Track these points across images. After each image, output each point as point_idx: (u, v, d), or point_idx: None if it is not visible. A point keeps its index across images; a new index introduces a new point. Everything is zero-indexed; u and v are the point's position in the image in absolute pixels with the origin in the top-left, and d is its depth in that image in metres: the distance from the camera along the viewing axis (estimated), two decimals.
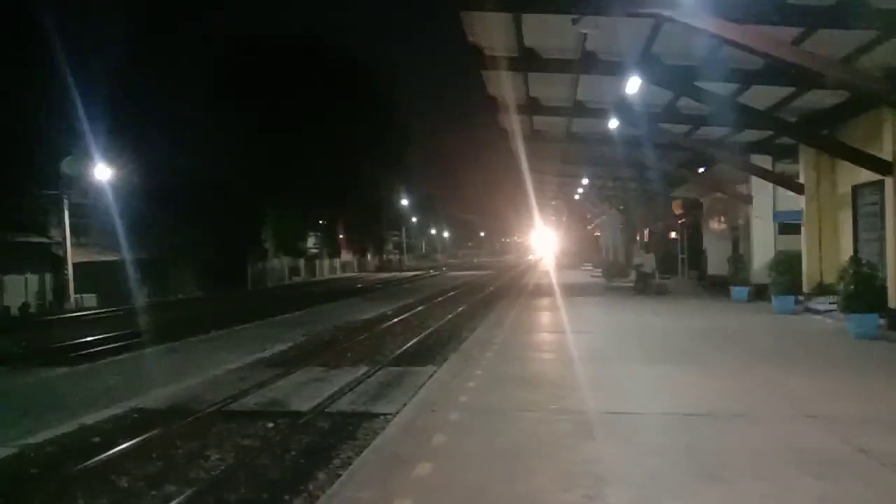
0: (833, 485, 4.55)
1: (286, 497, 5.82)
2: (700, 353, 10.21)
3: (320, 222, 58.42)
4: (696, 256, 28.28)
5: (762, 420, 6.30)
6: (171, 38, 40.26)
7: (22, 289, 28.19)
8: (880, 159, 11.90)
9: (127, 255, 30.56)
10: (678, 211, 30.57)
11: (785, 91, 13.30)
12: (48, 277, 29.75)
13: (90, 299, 29.89)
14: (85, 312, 26.88)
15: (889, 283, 11.65)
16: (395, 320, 19.26)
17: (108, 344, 16.20)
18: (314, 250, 60.15)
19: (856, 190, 14.55)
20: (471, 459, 5.33)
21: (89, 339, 17.19)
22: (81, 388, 10.46)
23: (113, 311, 26.72)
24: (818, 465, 4.90)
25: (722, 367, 8.97)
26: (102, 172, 30.80)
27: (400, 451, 5.62)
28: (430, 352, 13.24)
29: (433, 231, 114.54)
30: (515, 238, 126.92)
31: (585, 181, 34.22)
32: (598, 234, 54.59)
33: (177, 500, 5.68)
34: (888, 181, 11.73)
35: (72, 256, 29.89)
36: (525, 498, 4.50)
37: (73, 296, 29.59)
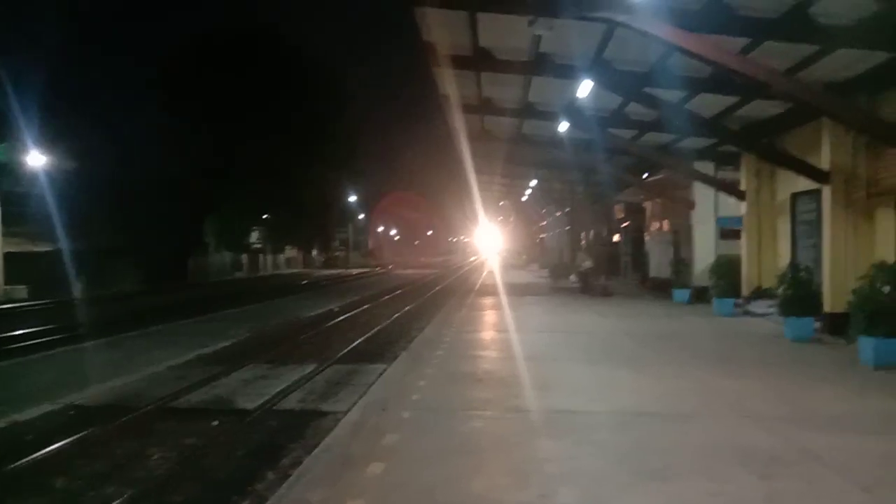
0: (768, 481, 4.70)
1: (234, 498, 5.66)
2: (642, 355, 10.40)
3: (264, 216, 57.28)
4: (639, 259, 28.91)
5: (703, 420, 6.44)
6: (110, 26, 38.68)
7: None
8: (818, 169, 12.34)
9: (62, 245, 29.38)
10: (620, 215, 31.23)
11: (730, 100, 13.65)
12: None
13: (20, 291, 28.61)
14: (14, 304, 25.71)
15: (824, 289, 12.10)
16: (343, 317, 19.06)
17: (41, 338, 15.50)
18: (257, 245, 59.08)
19: (794, 197, 15.06)
20: (424, 458, 5.29)
21: (19, 332, 16.44)
22: (13, 383, 10.01)
23: (46, 303, 25.66)
24: (753, 461, 5.06)
25: (663, 369, 9.14)
26: (36, 160, 29.57)
27: (351, 451, 5.55)
28: (379, 349, 13.13)
29: (380, 229, 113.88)
30: (463, 238, 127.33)
31: (533, 182, 34.57)
32: (544, 235, 55.25)
33: (118, 500, 5.46)
34: (825, 190, 12.17)
35: (1, 246, 28.57)
36: (479, 497, 4.49)
37: (1, 287, 28.29)
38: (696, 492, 4.50)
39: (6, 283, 28.51)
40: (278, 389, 9.35)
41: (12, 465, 6.31)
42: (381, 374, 9.45)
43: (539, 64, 13.12)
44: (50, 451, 6.65)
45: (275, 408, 8.49)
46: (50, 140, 30.01)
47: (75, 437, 7.06)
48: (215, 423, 7.86)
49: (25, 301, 27.16)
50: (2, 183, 28.77)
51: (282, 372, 10.78)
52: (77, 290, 28.46)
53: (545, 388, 7.79)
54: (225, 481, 6.05)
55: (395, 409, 6.88)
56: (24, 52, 29.45)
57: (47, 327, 17.11)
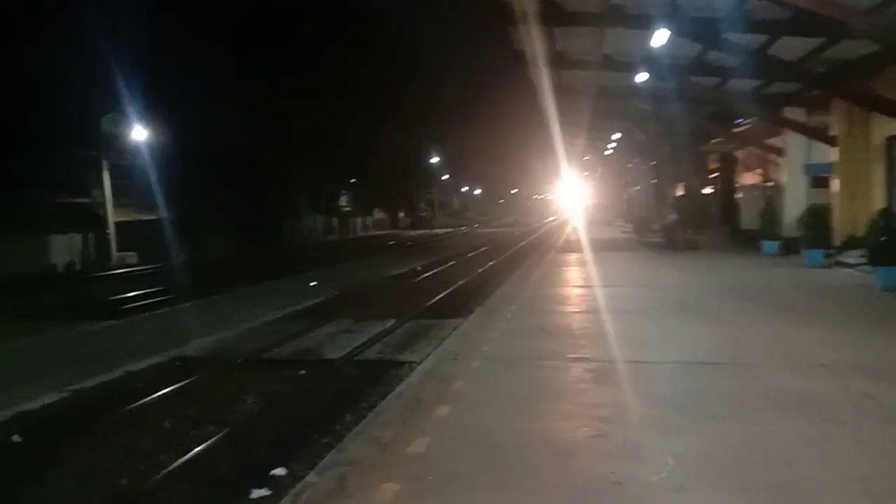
0: (819, 425, 4.79)
1: (315, 436, 6.25)
2: (717, 307, 10.31)
3: (352, 181, 58.83)
4: (730, 211, 28.00)
5: (769, 369, 6.47)
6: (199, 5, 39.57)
7: (66, 248, 29.19)
8: None
9: (166, 214, 31.38)
10: (714, 165, 30.13)
11: (814, 42, 13.04)
12: (91, 236, 30.71)
13: (131, 257, 30.87)
14: (127, 269, 27.82)
15: None
16: (424, 276, 19.64)
17: (150, 298, 16.85)
18: (347, 208, 60.77)
19: (890, 141, 14.31)
20: (487, 403, 5.65)
21: (132, 294, 17.89)
22: (125, 339, 11.08)
23: (153, 267, 27.59)
24: (803, 406, 5.14)
25: (737, 320, 9.08)
26: (139, 133, 31.46)
27: (422, 396, 5.96)
28: (456, 305, 13.54)
29: (465, 188, 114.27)
30: (548, 195, 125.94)
31: (616, 136, 33.88)
32: (631, 189, 54.03)
33: (213, 437, 6.14)
34: None
35: (113, 216, 30.85)
36: (535, 435, 4.81)
37: (115, 254, 30.61)
38: (733, 433, 4.67)
39: (119, 250, 30.85)
40: (360, 342, 9.95)
41: (127, 408, 7.13)
42: (455, 328, 9.84)
43: (612, 15, 12.95)
44: (157, 397, 7.46)
45: (356, 358, 9.09)
46: (150, 114, 31.80)
47: (179, 384, 7.87)
48: (302, 372, 8.52)
49: (136, 266, 29.31)
50: (109, 156, 30.77)
51: (364, 326, 11.40)
52: (181, 254, 30.38)
53: (611, 340, 7.96)
54: (308, 421, 6.66)
55: (466, 359, 7.24)
56: (129, 27, 30.98)
57: (156, 289, 18.51)
